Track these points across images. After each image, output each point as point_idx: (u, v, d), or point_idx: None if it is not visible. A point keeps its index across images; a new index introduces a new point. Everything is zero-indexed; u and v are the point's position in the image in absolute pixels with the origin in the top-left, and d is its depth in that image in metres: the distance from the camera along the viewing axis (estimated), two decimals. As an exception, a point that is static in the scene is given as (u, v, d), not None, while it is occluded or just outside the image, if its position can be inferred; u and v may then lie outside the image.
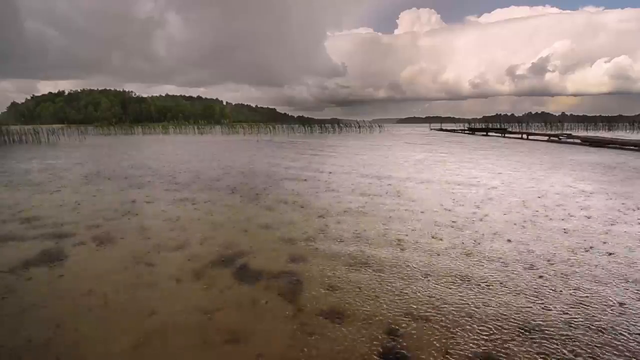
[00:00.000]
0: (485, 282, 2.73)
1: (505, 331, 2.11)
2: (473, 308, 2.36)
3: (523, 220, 4.35)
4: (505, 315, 2.28)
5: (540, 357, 1.88)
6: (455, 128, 45.01)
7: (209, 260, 3.22)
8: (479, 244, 3.55)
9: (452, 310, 2.35)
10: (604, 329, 2.12)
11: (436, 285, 2.69)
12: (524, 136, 24.20)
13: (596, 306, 2.38)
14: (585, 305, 2.39)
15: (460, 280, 2.77)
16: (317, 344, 2.02)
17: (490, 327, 2.15)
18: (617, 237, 3.72)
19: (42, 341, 2.08)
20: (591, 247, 3.42)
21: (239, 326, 2.20)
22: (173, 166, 10.04)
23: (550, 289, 2.61)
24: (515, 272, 2.89)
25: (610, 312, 2.31)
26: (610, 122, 40.79)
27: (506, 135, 27.96)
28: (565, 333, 2.08)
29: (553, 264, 3.05)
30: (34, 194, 6.16)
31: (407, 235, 3.85)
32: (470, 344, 1.99)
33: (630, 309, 2.34)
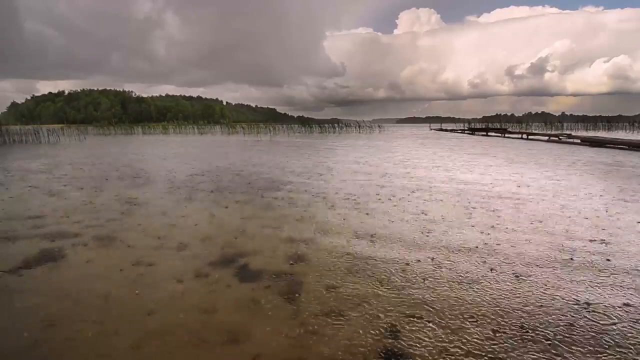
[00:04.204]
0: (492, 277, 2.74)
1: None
2: (478, 305, 2.37)
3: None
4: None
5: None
6: (455, 128, 45.06)
7: (209, 260, 3.22)
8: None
9: (453, 310, 2.35)
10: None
11: (437, 285, 2.69)
12: (524, 136, 24.22)
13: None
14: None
15: (467, 280, 2.78)
16: (317, 344, 2.02)
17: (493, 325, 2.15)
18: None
19: (42, 341, 2.08)
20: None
21: (239, 326, 2.20)
22: (173, 166, 10.04)
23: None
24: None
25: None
26: (610, 122, 40.80)
27: (506, 135, 27.97)
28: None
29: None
30: (34, 194, 6.16)
31: (410, 232, 3.85)
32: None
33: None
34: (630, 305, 2.37)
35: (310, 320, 2.25)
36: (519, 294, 2.55)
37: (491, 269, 2.95)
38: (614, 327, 2.14)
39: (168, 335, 2.11)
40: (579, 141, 17.99)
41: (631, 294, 2.52)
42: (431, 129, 47.02)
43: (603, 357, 1.88)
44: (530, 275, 2.83)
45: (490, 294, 2.54)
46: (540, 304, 2.40)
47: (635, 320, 2.20)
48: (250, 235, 3.93)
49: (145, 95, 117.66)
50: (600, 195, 5.68)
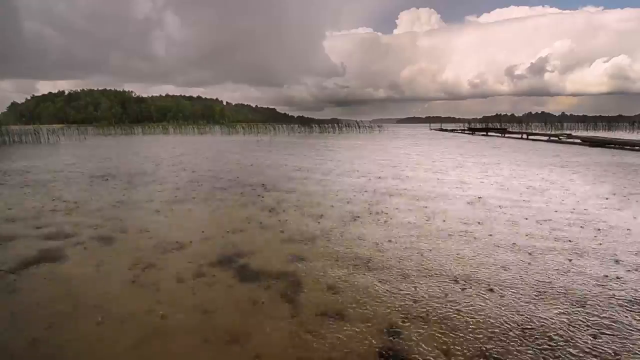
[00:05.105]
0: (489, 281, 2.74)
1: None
2: (475, 304, 2.37)
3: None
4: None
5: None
6: (455, 128, 45.19)
7: (209, 260, 3.22)
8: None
9: (453, 310, 2.35)
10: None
11: (436, 286, 2.69)
12: (524, 136, 24.21)
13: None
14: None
15: (464, 281, 2.78)
16: (316, 344, 2.02)
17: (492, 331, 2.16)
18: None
19: (42, 341, 2.08)
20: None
21: (239, 326, 2.20)
22: (173, 166, 10.04)
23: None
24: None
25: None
26: (610, 122, 40.93)
27: (506, 135, 27.98)
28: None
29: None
30: (32, 193, 6.16)
31: (408, 231, 3.85)
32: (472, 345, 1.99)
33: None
34: None
35: (310, 321, 2.25)
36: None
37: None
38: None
39: (168, 335, 2.11)
40: (579, 141, 17.99)
41: None
42: (431, 129, 47.11)
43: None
44: None
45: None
46: None
47: None
48: (250, 235, 3.93)
49: (145, 95, 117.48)
50: None
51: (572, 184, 6.71)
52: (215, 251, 3.44)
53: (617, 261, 3.09)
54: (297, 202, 5.42)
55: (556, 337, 2.03)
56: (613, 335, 2.06)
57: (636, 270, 2.91)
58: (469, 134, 32.88)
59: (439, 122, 70.92)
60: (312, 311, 2.35)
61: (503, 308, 2.35)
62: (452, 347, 1.98)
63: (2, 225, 4.35)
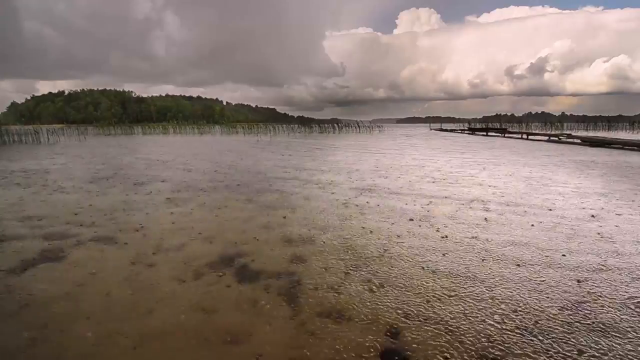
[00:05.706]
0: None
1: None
2: (481, 306, 2.37)
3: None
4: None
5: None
6: (455, 128, 45.28)
7: (209, 260, 3.21)
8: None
9: (453, 310, 2.35)
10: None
11: (439, 286, 2.69)
12: (524, 136, 24.21)
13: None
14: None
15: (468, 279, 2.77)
16: (316, 344, 2.01)
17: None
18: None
19: (42, 341, 2.07)
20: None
21: (239, 326, 2.20)
22: (173, 166, 10.03)
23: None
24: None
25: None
26: (610, 122, 41.03)
27: (506, 135, 27.97)
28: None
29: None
30: (33, 193, 6.15)
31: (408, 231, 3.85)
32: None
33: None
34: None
35: (310, 321, 2.24)
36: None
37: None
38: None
39: (168, 336, 2.11)
40: (579, 141, 17.99)
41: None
42: (431, 129, 47.15)
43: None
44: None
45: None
46: None
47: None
48: (250, 235, 3.93)
49: (145, 95, 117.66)
50: None
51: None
52: (215, 251, 3.44)
53: None
54: (298, 202, 5.42)
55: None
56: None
57: None
58: (469, 134, 32.88)
59: (439, 122, 71.09)
60: (312, 311, 2.35)
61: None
62: (452, 346, 1.97)
63: (2, 225, 4.35)
